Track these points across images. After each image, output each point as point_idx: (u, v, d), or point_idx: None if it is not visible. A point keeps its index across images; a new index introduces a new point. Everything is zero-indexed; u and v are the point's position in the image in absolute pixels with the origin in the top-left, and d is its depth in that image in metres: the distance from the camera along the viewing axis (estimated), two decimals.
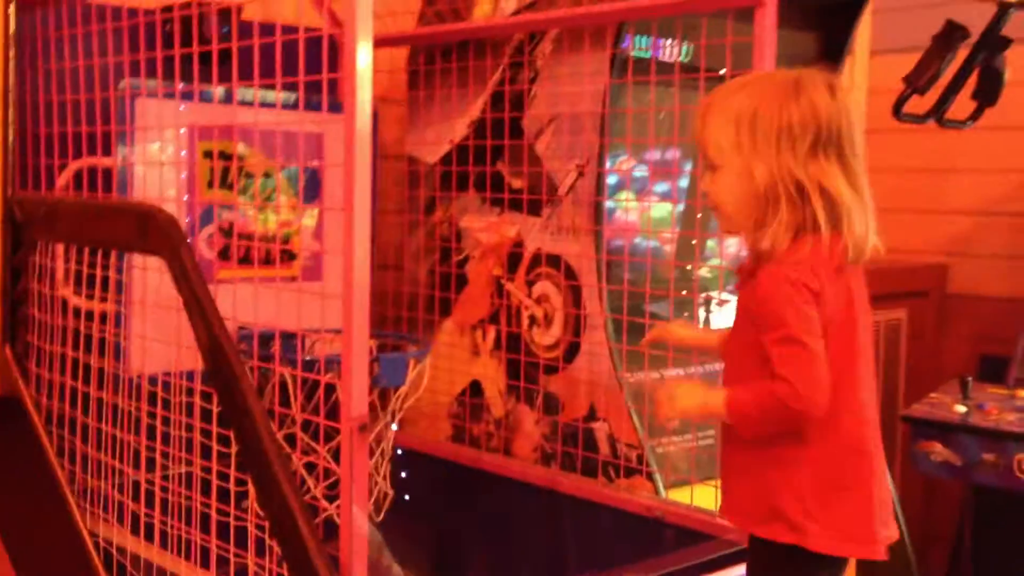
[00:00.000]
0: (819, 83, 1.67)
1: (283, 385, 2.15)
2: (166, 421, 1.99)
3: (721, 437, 1.81)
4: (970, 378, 3.19)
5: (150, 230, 1.85)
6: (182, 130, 2.38)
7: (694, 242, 2.59)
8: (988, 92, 2.69)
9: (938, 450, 3.01)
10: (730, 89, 1.73)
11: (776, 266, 1.64)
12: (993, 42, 2.61)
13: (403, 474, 2.77)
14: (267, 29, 1.81)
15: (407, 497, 2.82)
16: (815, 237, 1.64)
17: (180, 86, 2.06)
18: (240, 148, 2.53)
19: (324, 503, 2.13)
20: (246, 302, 1.97)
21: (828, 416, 1.62)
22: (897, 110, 2.59)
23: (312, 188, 2.66)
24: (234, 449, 1.83)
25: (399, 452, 2.83)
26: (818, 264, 1.63)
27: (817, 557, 1.66)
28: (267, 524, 1.74)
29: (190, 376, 1.93)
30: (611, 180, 2.64)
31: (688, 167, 2.68)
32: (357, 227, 1.69)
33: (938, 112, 2.68)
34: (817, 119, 1.63)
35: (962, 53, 2.71)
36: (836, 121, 1.64)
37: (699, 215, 2.54)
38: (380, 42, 2.82)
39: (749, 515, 1.73)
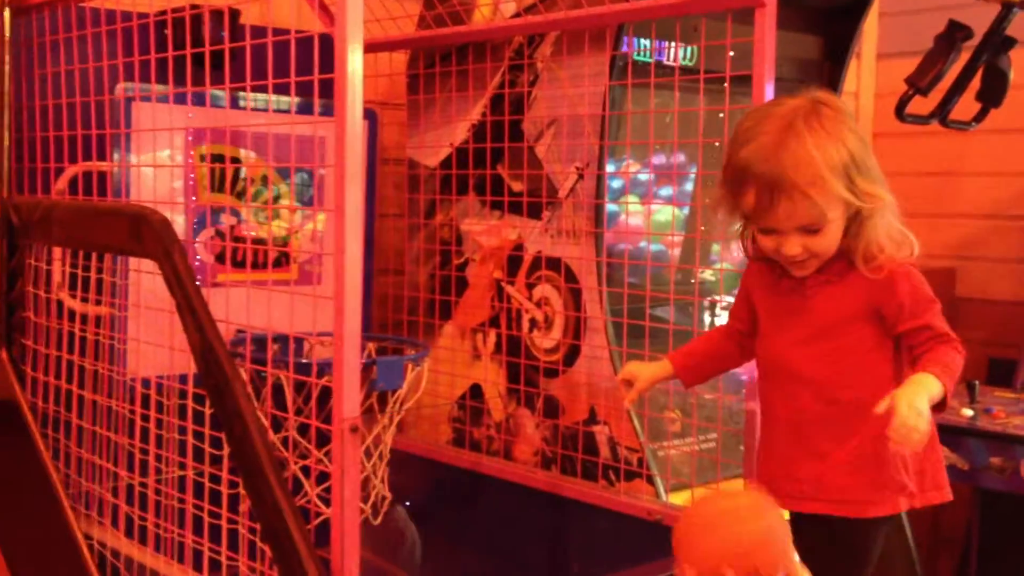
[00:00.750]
0: (841, 111, 1.79)
1: (282, 388, 2.15)
2: (162, 424, 1.99)
3: (788, 427, 1.88)
4: (977, 382, 3.17)
5: (143, 232, 1.84)
6: (178, 134, 2.38)
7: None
8: (992, 93, 2.67)
9: (945, 454, 2.97)
10: (809, 146, 1.72)
11: (898, 264, 1.81)
12: (997, 42, 2.58)
13: (403, 478, 2.76)
14: (261, 32, 1.81)
15: (408, 502, 2.82)
16: None
17: (176, 90, 2.06)
18: (240, 152, 2.53)
19: (320, 506, 2.12)
20: (244, 305, 1.97)
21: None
22: (900, 111, 2.57)
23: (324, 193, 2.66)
24: (226, 452, 1.82)
25: (401, 456, 2.82)
26: None
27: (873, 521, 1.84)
28: (259, 527, 1.74)
29: (186, 379, 1.92)
30: (616, 184, 2.63)
31: (693, 170, 2.67)
32: (348, 227, 1.69)
33: (942, 113, 2.65)
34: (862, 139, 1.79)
35: (967, 54, 2.69)
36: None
37: (701, 226, 2.52)
38: (380, 46, 2.85)
39: (848, 500, 1.84)
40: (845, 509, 1.84)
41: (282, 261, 2.67)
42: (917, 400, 1.66)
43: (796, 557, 1.48)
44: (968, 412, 3.01)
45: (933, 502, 1.89)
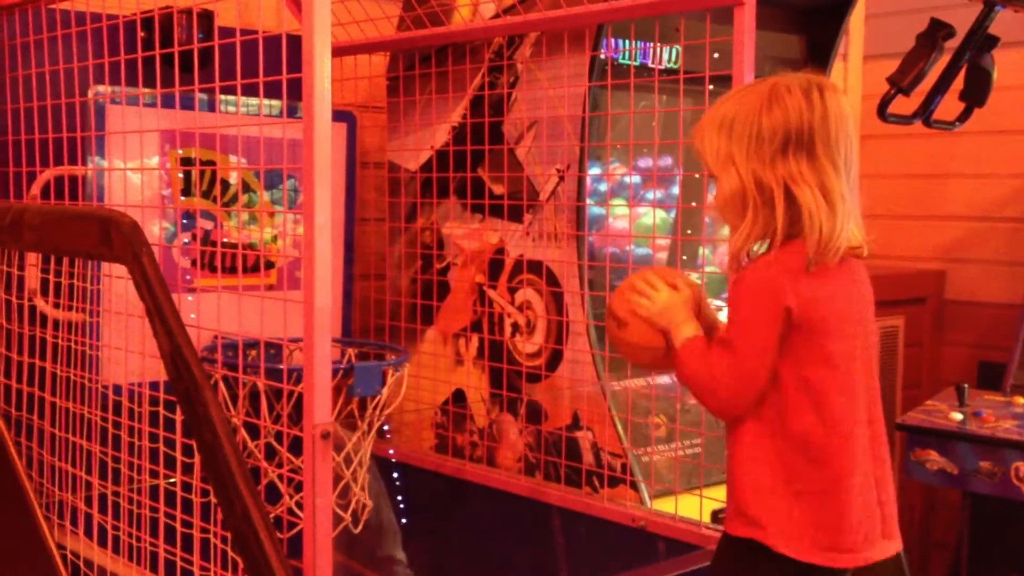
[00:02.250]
0: (795, 87, 1.67)
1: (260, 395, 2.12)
2: (136, 432, 1.96)
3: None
4: (967, 385, 3.14)
5: (112, 236, 1.81)
6: (153, 137, 2.35)
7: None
8: (976, 92, 2.64)
9: (934, 458, 2.96)
10: (720, 100, 1.75)
11: (747, 270, 1.68)
12: (980, 41, 2.56)
13: (387, 485, 2.74)
14: (233, 34, 1.78)
15: (393, 508, 2.79)
16: (784, 242, 1.65)
17: (147, 91, 2.04)
18: (227, 157, 2.51)
19: (297, 513, 2.09)
20: (222, 311, 1.94)
21: (785, 418, 1.64)
22: (882, 111, 2.54)
23: None
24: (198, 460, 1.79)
25: (384, 462, 2.80)
26: (786, 271, 1.64)
27: (777, 558, 1.64)
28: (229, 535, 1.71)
29: (161, 387, 1.89)
30: (601, 187, 2.60)
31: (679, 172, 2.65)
32: (318, 230, 1.66)
33: (925, 113, 2.63)
34: (787, 122, 1.65)
35: (950, 54, 2.67)
36: (808, 123, 1.65)
37: (684, 226, 2.50)
38: (359, 48, 2.83)
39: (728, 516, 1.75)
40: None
41: (260, 266, 2.64)
42: (674, 307, 1.71)
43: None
44: (957, 416, 2.99)
45: (796, 555, 1.65)
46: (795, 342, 1.64)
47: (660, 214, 2.68)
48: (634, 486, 2.43)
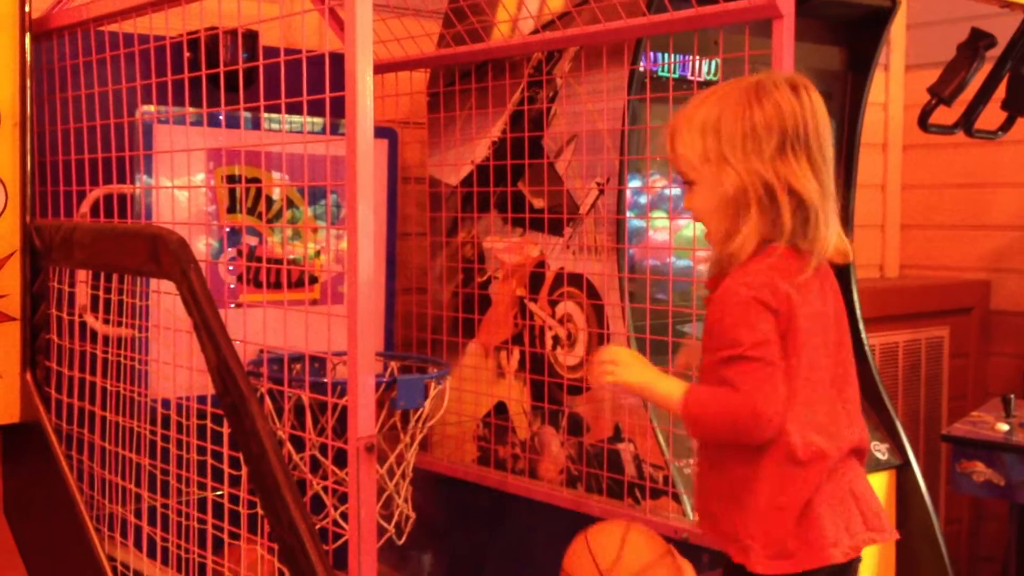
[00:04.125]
0: (781, 83, 1.65)
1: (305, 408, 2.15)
2: (188, 446, 1.99)
3: (698, 457, 1.80)
4: (1012, 395, 3.12)
5: (160, 253, 1.86)
6: (199, 155, 2.40)
7: None
8: (1018, 101, 2.64)
9: (980, 470, 2.94)
10: (694, 102, 1.71)
11: (732, 279, 1.63)
12: (1022, 50, 2.55)
13: (429, 497, 2.75)
14: (277, 53, 1.82)
15: (434, 521, 2.81)
16: (784, 245, 1.63)
17: (194, 111, 2.07)
18: (273, 174, 2.55)
19: (341, 524, 2.11)
20: (268, 326, 1.97)
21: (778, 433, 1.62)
22: (923, 121, 2.54)
23: None
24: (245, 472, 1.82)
25: (427, 475, 2.81)
26: (781, 275, 1.61)
27: None
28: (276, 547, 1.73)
29: (208, 401, 1.92)
30: (641, 199, 2.61)
31: None
32: (360, 244, 1.69)
33: (967, 123, 2.62)
34: (782, 119, 1.62)
35: (992, 63, 2.66)
36: (802, 120, 1.63)
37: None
38: (400, 65, 2.86)
39: (721, 534, 1.74)
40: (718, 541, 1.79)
41: (304, 281, 2.67)
42: (635, 367, 1.68)
43: None
44: (1004, 427, 2.96)
45: (781, 571, 1.67)
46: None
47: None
48: (676, 498, 2.43)
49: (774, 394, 1.58)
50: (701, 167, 1.66)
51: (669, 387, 1.68)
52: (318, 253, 2.74)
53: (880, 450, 2.80)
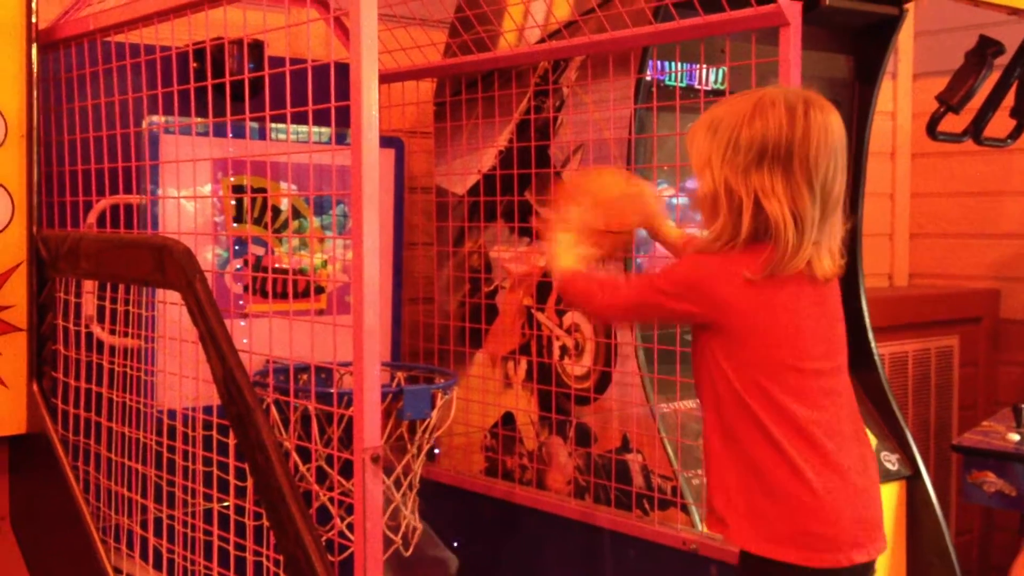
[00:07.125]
0: (780, 102, 1.72)
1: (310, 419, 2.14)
2: (194, 457, 1.98)
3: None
4: (1023, 405, 3.09)
5: (166, 263, 1.85)
6: (206, 165, 2.39)
7: None
8: None
9: (991, 480, 2.92)
10: (718, 104, 1.82)
11: (699, 252, 1.79)
12: None
13: (436, 508, 2.74)
14: (280, 63, 1.81)
15: (441, 532, 2.80)
16: (744, 248, 1.71)
17: (200, 120, 2.07)
18: (278, 184, 2.54)
19: (347, 535, 2.10)
20: (273, 336, 1.96)
21: (746, 426, 1.72)
22: (932, 129, 2.53)
23: None
24: (250, 483, 1.81)
25: (432, 486, 2.80)
26: (729, 274, 1.71)
27: (768, 564, 1.72)
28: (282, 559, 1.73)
29: (214, 411, 1.92)
30: None
31: None
32: (366, 254, 1.68)
33: (975, 131, 2.61)
34: (765, 137, 1.70)
35: (1000, 71, 2.64)
36: (787, 140, 1.69)
37: None
38: (406, 75, 2.86)
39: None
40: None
41: (310, 291, 2.67)
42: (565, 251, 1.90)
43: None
44: (1015, 437, 2.95)
45: (768, 555, 1.74)
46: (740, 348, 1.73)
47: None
48: (685, 509, 2.41)
49: (624, 315, 1.99)
50: (694, 164, 1.79)
51: (566, 262, 1.90)
52: (324, 263, 2.73)
53: (890, 460, 2.78)
